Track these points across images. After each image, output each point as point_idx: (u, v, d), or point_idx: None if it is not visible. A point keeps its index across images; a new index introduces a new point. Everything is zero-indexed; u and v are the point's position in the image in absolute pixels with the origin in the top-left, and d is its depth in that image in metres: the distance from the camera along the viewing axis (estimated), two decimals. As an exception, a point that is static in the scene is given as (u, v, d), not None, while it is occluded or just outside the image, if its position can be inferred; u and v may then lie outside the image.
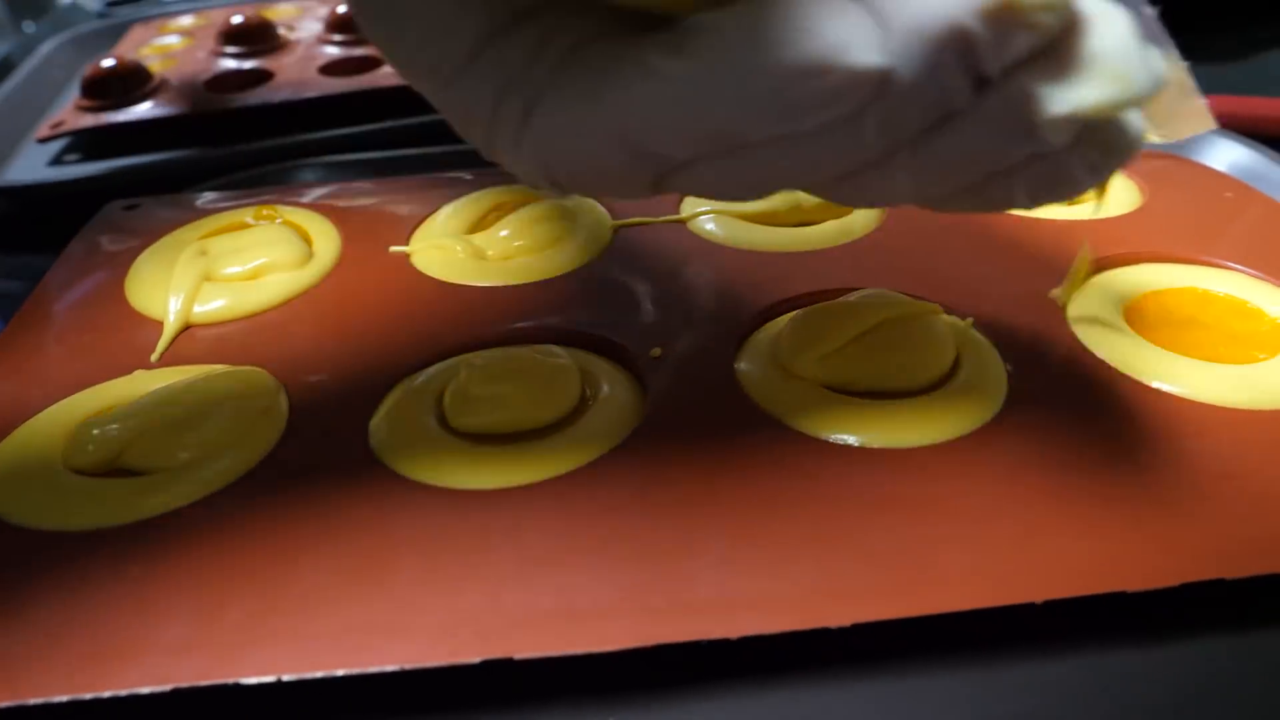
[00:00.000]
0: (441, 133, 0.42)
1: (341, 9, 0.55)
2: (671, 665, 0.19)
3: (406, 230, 0.32)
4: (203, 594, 0.20)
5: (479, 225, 0.33)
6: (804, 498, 0.21)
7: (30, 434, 0.24)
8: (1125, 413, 0.23)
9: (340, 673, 0.18)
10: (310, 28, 0.57)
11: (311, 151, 0.42)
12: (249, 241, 0.31)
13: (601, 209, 0.33)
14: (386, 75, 0.47)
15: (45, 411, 0.25)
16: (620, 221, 0.32)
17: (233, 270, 0.30)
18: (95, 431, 0.23)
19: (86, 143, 0.46)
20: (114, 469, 0.23)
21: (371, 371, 0.26)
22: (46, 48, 0.59)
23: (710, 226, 0.32)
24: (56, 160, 0.45)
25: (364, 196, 0.35)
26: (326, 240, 0.32)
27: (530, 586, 0.19)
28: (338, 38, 0.54)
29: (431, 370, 0.25)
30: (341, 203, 0.34)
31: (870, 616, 0.19)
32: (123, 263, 0.32)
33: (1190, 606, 0.20)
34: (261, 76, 0.50)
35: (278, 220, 0.33)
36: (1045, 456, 0.22)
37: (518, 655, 0.18)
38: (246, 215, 0.34)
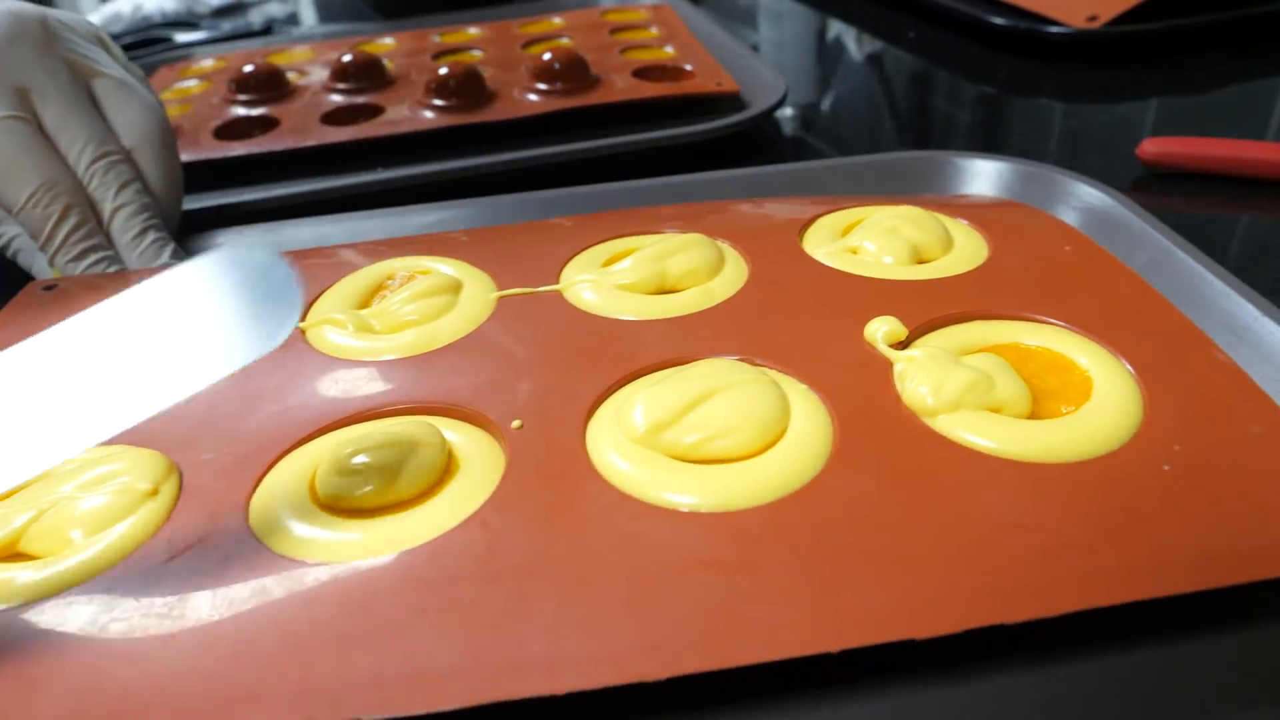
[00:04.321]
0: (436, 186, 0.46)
1: (347, 57, 0.59)
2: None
3: (303, 306, 0.35)
4: (82, 669, 0.22)
5: (369, 298, 0.35)
6: (630, 560, 0.23)
7: None
8: (931, 469, 0.26)
9: (206, 740, 0.20)
10: (319, 73, 0.61)
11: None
12: None
13: (488, 279, 0.35)
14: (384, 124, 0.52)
15: None
16: (503, 292, 0.34)
17: None
18: None
19: None
20: (14, 554, 0.25)
21: (259, 448, 0.28)
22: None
23: (587, 295, 0.34)
24: None
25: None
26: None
27: (378, 652, 0.22)
28: (341, 86, 0.57)
29: (308, 448, 0.28)
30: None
31: (682, 670, 0.21)
32: None
33: (977, 648, 0.23)
34: (268, 124, 0.54)
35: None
36: (855, 514, 0.25)
37: (365, 716, 0.20)
38: None
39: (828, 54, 0.81)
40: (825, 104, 0.68)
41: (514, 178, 0.48)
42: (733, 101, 0.56)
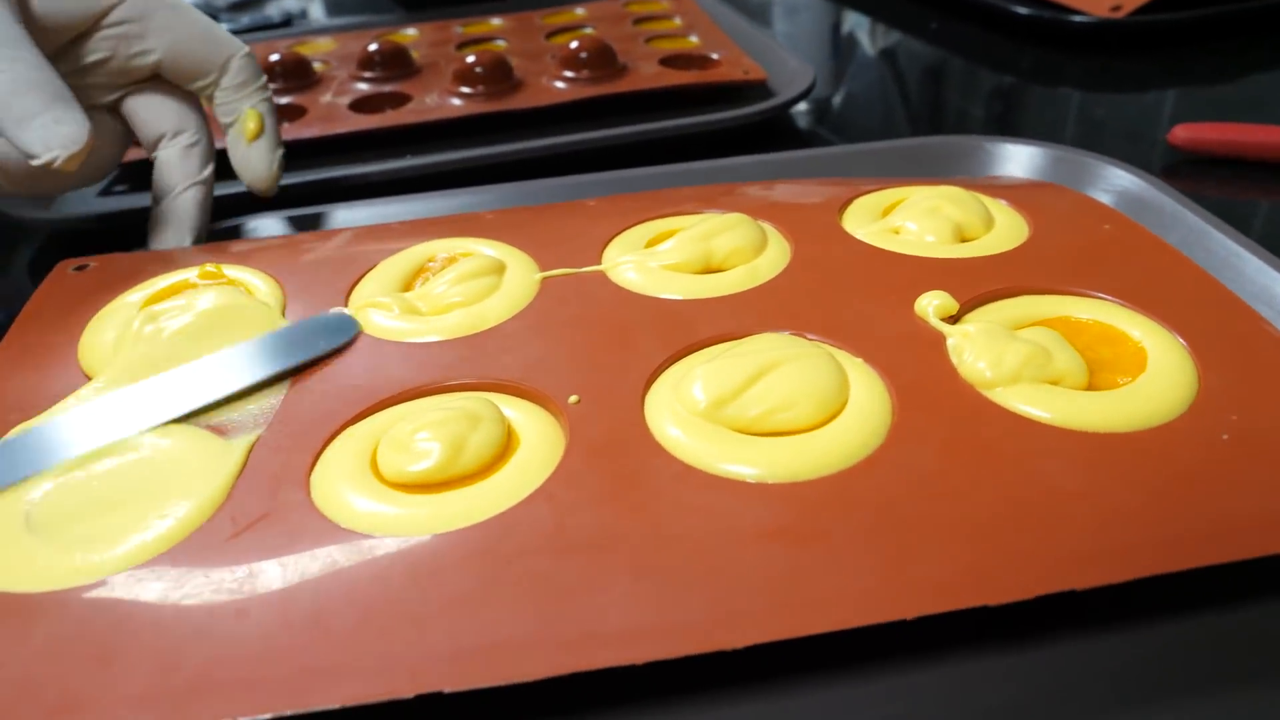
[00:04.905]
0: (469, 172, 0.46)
1: (373, 46, 0.59)
2: (591, 690, 0.21)
3: (346, 288, 0.35)
4: (161, 648, 0.22)
5: (412, 280, 0.35)
6: (700, 531, 0.23)
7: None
8: (993, 440, 0.26)
9: (289, 713, 0.20)
10: (345, 63, 0.61)
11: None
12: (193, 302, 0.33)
13: (529, 260, 0.35)
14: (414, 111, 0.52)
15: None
16: (547, 273, 0.34)
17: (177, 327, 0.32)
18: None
19: (134, 175, 0.50)
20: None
21: (314, 426, 0.28)
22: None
23: (631, 275, 0.34)
24: (106, 191, 0.50)
25: (309, 252, 0.37)
26: (272, 301, 0.34)
27: (455, 625, 0.22)
28: (368, 75, 0.57)
29: (365, 424, 0.28)
30: (286, 261, 0.37)
31: (760, 639, 0.21)
32: (75, 327, 0.34)
33: (1046, 615, 0.23)
34: (296, 112, 0.54)
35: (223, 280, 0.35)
36: (920, 485, 0.25)
37: (447, 689, 0.20)
38: (191, 275, 0.36)
39: (845, 46, 0.81)
40: (843, 96, 0.68)
41: (541, 165, 0.48)
42: (759, 90, 0.56)
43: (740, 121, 0.51)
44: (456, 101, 0.54)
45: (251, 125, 0.40)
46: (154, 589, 0.23)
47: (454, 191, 0.45)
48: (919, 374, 0.28)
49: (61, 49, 0.38)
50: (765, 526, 0.24)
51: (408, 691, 0.20)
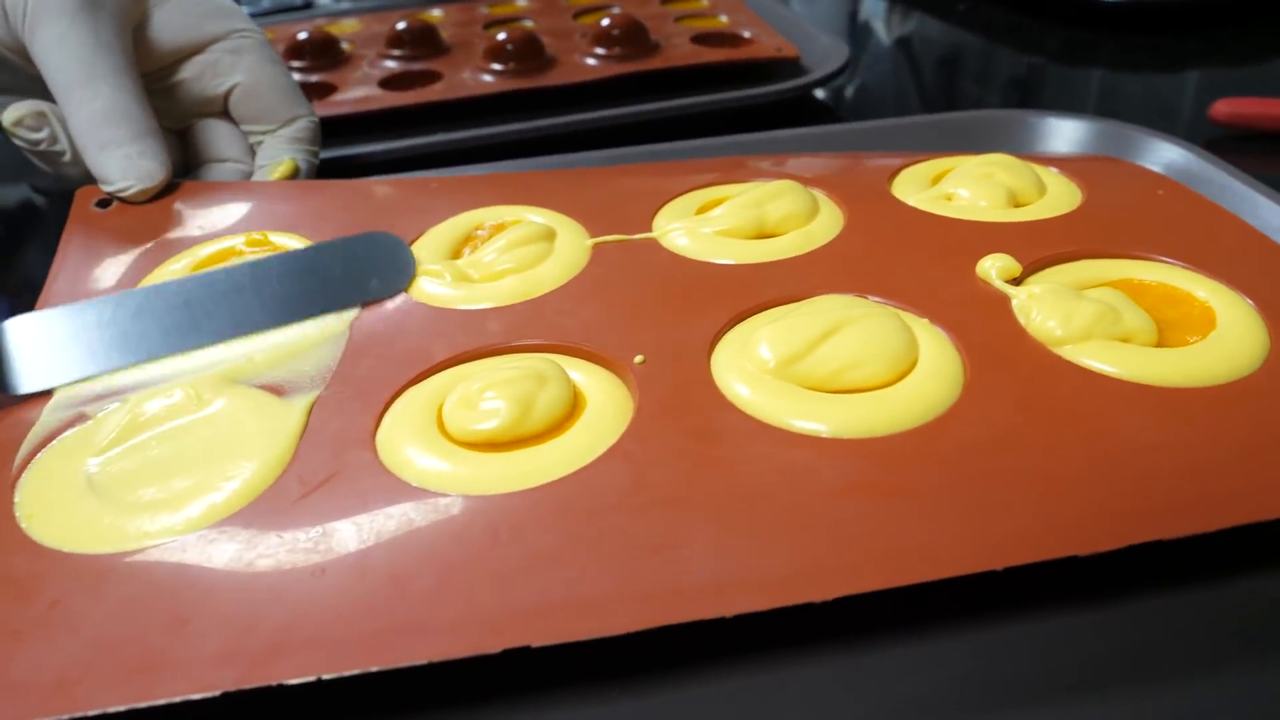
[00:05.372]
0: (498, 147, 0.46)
1: (402, 25, 0.59)
2: (672, 647, 0.21)
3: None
4: (237, 609, 0.21)
5: (460, 249, 0.34)
6: (781, 486, 0.23)
7: (60, 456, 0.26)
8: (1067, 396, 0.26)
9: (375, 669, 0.20)
10: (372, 43, 0.60)
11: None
12: None
13: (579, 226, 0.35)
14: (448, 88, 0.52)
15: (72, 433, 0.27)
16: (598, 239, 0.34)
17: None
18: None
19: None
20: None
21: (375, 387, 0.28)
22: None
23: (683, 242, 0.34)
24: None
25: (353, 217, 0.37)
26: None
27: (538, 581, 0.21)
28: (397, 53, 0.57)
29: (427, 385, 0.27)
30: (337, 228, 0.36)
31: (850, 590, 0.21)
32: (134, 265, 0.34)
33: (1129, 567, 0.22)
34: (325, 90, 0.54)
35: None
36: (998, 439, 0.24)
37: (535, 644, 0.20)
38: (236, 242, 0.35)
39: (870, 27, 0.80)
40: (870, 75, 0.67)
41: (572, 140, 0.48)
42: (787, 69, 0.56)
43: (777, 97, 0.51)
44: (488, 78, 0.54)
45: (282, 170, 0.40)
46: (226, 550, 0.23)
47: (488, 165, 0.44)
48: (987, 333, 0.28)
49: (155, 69, 0.39)
50: (845, 481, 0.23)
51: (493, 647, 0.20)
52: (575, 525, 0.22)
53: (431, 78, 0.54)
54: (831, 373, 0.26)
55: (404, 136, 0.48)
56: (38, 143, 0.37)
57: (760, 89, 0.51)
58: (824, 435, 0.25)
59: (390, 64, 0.57)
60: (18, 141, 0.38)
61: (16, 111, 0.37)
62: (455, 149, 0.47)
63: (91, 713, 0.19)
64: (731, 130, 0.45)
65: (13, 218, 0.49)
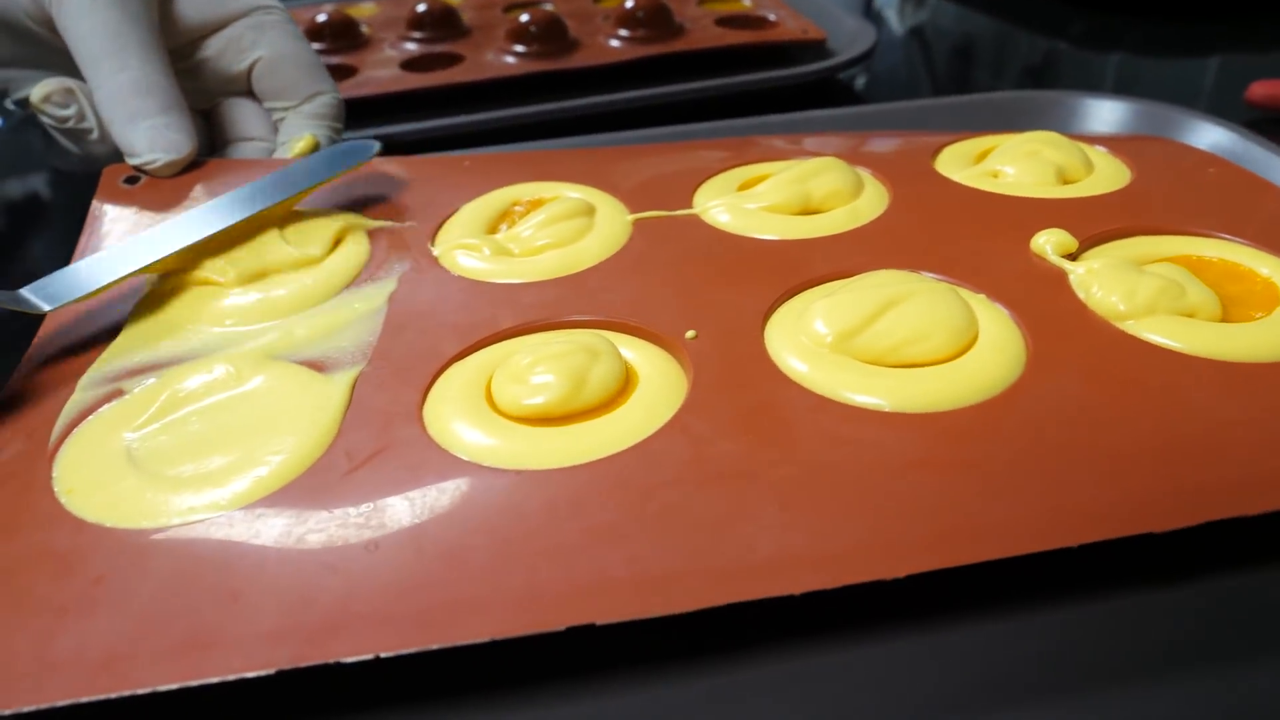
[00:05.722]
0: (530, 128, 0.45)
1: (422, 7, 0.58)
2: (739, 626, 0.20)
3: (430, 231, 0.33)
4: (289, 584, 0.21)
5: (496, 225, 0.34)
6: (843, 461, 0.22)
7: (98, 430, 0.25)
8: (1135, 370, 0.25)
9: (434, 647, 0.19)
10: (391, 26, 0.60)
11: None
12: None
13: (617, 203, 0.34)
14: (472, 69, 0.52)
15: (109, 408, 0.26)
16: (638, 215, 0.33)
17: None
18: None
19: None
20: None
21: (419, 361, 0.27)
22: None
23: (724, 218, 0.33)
24: None
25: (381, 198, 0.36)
26: (355, 244, 0.33)
27: (599, 557, 0.21)
28: (417, 35, 0.56)
29: (473, 360, 0.27)
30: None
31: (921, 568, 0.20)
32: None
33: (1206, 545, 0.22)
34: (345, 72, 0.53)
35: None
36: (1066, 414, 0.24)
37: (599, 621, 0.19)
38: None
39: (897, 9, 0.79)
40: (887, 61, 0.66)
41: (596, 122, 0.47)
42: (812, 51, 0.55)
43: (805, 79, 0.50)
44: (511, 60, 0.53)
45: (303, 145, 0.39)
46: (275, 525, 0.22)
47: (512, 146, 0.43)
48: (1046, 308, 0.27)
49: (179, 46, 0.39)
50: (912, 456, 0.22)
51: (557, 624, 0.19)
52: (635, 500, 0.22)
53: (452, 60, 0.53)
54: (891, 347, 0.25)
55: (425, 119, 0.47)
56: (65, 119, 0.36)
57: (787, 70, 0.50)
58: (886, 410, 0.24)
59: (410, 46, 0.56)
60: (45, 119, 0.37)
61: (45, 88, 0.36)
62: (477, 131, 0.46)
63: (141, 691, 0.19)
64: (752, 114, 0.45)
65: (18, 210, 0.48)
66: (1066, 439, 0.23)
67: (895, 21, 0.79)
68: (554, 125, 0.47)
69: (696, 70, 0.52)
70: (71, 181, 0.46)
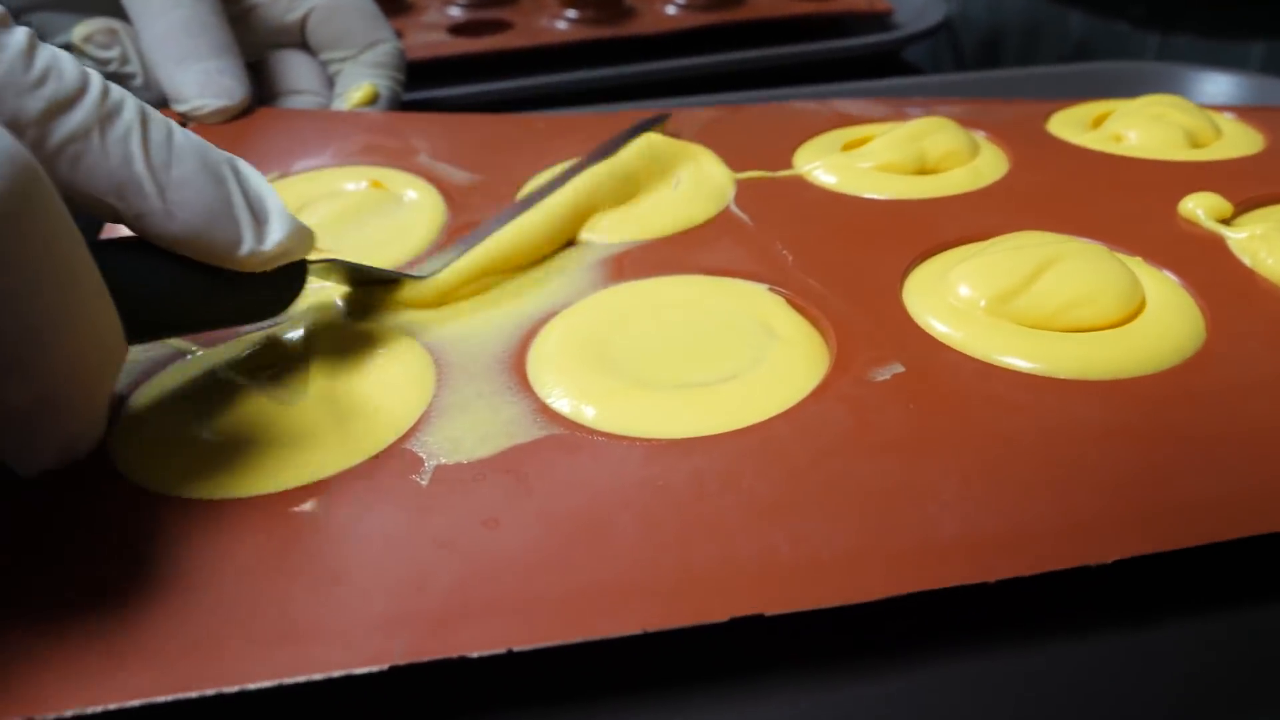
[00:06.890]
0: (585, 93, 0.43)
1: None
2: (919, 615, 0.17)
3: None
4: (394, 562, 0.18)
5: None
6: (1027, 430, 0.19)
7: (163, 392, 0.22)
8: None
9: (577, 641, 0.16)
10: None
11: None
12: None
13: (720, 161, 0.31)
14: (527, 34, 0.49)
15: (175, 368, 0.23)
16: (741, 174, 0.30)
17: None
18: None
19: None
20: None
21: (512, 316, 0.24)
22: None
23: (830, 179, 0.30)
24: None
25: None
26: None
27: (760, 537, 0.18)
28: (463, 1, 0.54)
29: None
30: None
31: (1130, 552, 0.17)
32: None
33: None
34: None
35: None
36: (1265, 382, 0.21)
37: (769, 611, 0.16)
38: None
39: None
40: (951, 40, 0.64)
41: (643, 89, 0.44)
42: (869, 23, 0.53)
43: (870, 50, 0.48)
44: (562, 26, 0.50)
45: (362, 95, 0.36)
46: (372, 498, 0.19)
47: (567, 109, 0.40)
48: (1212, 273, 0.25)
49: None
50: (1104, 425, 0.20)
51: (721, 615, 0.16)
52: (795, 472, 0.19)
53: (501, 26, 0.51)
54: (1055, 310, 0.23)
55: (470, 85, 0.44)
56: (107, 62, 0.33)
57: (855, 40, 0.48)
58: (1061, 377, 0.21)
59: (455, 12, 0.53)
60: (86, 61, 0.34)
61: (87, 27, 0.33)
62: (527, 96, 0.44)
63: (230, 689, 0.16)
64: (808, 84, 0.42)
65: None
66: (1274, 408, 0.20)
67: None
68: (602, 92, 0.44)
69: (746, 39, 0.50)
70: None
